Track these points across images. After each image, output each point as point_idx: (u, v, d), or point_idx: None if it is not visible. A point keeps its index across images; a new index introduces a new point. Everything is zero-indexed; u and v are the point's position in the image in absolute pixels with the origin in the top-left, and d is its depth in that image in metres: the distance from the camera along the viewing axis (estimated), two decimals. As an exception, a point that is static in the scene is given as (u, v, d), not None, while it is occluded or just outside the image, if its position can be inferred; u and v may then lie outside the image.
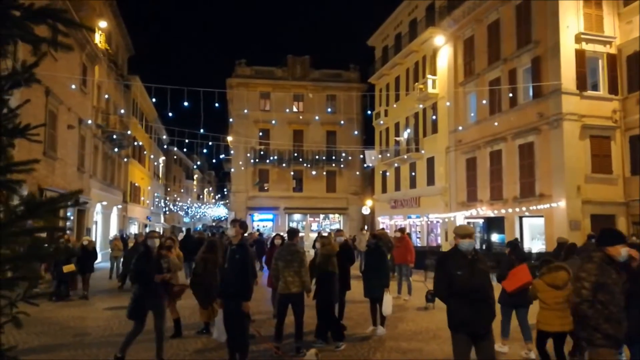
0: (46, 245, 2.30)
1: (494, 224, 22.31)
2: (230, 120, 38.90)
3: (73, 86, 19.31)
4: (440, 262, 4.86)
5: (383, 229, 27.08)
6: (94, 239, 23.46)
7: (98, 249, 23.52)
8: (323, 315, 7.44)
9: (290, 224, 40.29)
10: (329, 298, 7.48)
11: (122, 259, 14.98)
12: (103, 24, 25.42)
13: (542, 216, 19.24)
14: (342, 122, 39.42)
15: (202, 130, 22.64)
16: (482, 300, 4.44)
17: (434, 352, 7.28)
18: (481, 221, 23.21)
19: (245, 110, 36.38)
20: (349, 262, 8.76)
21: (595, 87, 19.20)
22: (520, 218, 20.56)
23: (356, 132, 38.28)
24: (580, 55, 18.65)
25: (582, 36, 18.62)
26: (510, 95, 20.96)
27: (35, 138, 2.46)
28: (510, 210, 20.72)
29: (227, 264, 5.87)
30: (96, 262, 17.43)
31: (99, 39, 24.56)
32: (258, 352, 7.07)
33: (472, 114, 24.43)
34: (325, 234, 9.95)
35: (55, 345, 7.45)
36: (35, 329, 8.53)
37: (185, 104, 18.11)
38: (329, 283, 7.51)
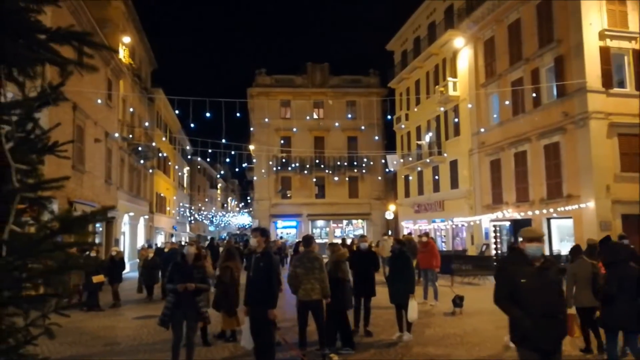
0: (76, 258, 2.38)
1: (520, 226, 21.72)
2: (252, 129, 39.29)
3: (99, 101, 19.84)
4: (501, 267, 4.41)
5: (410, 233, 26.88)
6: (122, 250, 24.01)
7: (126, 259, 24.10)
8: (334, 322, 7.44)
9: (314, 231, 40.37)
10: (340, 304, 7.48)
11: (141, 269, 15.03)
12: (127, 39, 26.07)
13: (570, 217, 18.81)
14: (362, 127, 39.26)
15: (224, 140, 22.90)
16: (550, 316, 3.86)
17: (462, 357, 7.18)
18: (507, 224, 22.82)
19: (267, 119, 36.65)
20: (374, 268, 8.74)
21: (621, 84, 18.73)
22: (548, 220, 20.14)
23: (377, 137, 38.16)
24: (604, 52, 18.24)
25: (606, 33, 18.22)
26: (534, 95, 20.62)
27: (64, 154, 2.53)
28: (537, 212, 20.32)
29: (252, 272, 5.90)
30: (124, 272, 17.84)
31: (122, 54, 25.19)
32: (285, 359, 7.09)
33: (495, 115, 24.11)
34: (335, 241, 9.98)
35: (86, 355, 7.63)
36: (67, 339, 8.74)
37: (207, 114, 18.40)
38: (339, 289, 7.48)
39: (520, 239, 4.20)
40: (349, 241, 17.16)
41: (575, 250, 7.78)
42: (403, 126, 34.91)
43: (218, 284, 8.30)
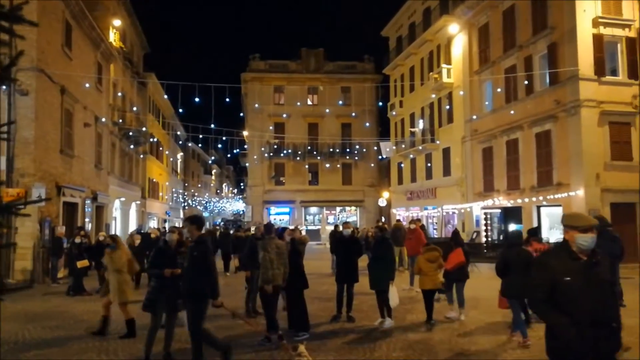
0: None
1: (511, 214, 21.95)
2: (245, 114, 39.09)
3: (87, 85, 19.59)
4: (541, 262, 3.53)
5: (399, 220, 26.94)
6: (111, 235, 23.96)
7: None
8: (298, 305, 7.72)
9: (307, 217, 40.44)
10: (303, 286, 7.84)
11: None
12: (117, 22, 25.72)
13: (560, 205, 18.86)
14: (357, 114, 39.23)
15: (213, 125, 22.75)
16: (601, 324, 3.15)
17: (441, 342, 7.23)
18: (498, 211, 22.89)
19: (260, 105, 36.46)
20: (356, 254, 8.74)
21: (614, 72, 18.66)
22: (538, 207, 20.21)
23: (371, 124, 38.05)
24: (598, 39, 18.14)
25: (600, 20, 18.09)
26: (527, 82, 20.54)
27: (1, 137, 2.45)
28: (527, 199, 20.38)
29: (187, 262, 5.80)
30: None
31: (113, 37, 24.86)
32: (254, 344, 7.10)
33: (488, 103, 24.04)
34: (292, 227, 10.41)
35: (66, 338, 7.61)
36: (49, 323, 8.75)
37: (197, 99, 18.23)
38: (298, 272, 7.77)
39: (566, 228, 3.36)
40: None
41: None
42: (397, 113, 34.81)
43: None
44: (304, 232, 36.47)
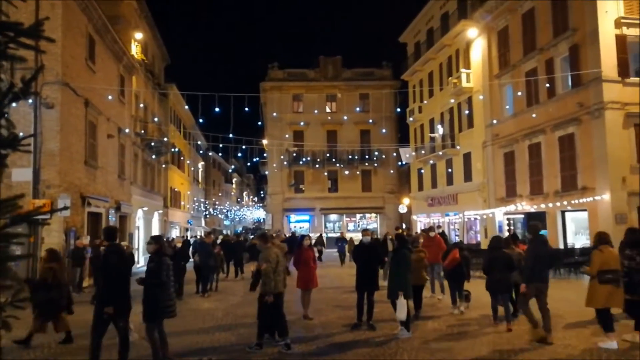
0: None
1: (534, 219, 21.39)
2: (265, 123, 39.38)
3: (110, 97, 20.02)
4: None
5: (425, 230, 26.69)
6: (136, 244, 24.32)
7: (140, 254, 24.41)
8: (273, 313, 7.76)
9: (327, 225, 40.39)
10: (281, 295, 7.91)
11: None
12: (139, 35, 26.27)
13: (585, 210, 18.45)
14: (375, 120, 39.13)
15: (231, 135, 22.95)
16: None
17: (464, 351, 7.10)
18: (521, 217, 22.49)
19: (279, 113, 36.72)
20: (376, 262, 8.68)
21: (638, 73, 18.21)
22: (563, 212, 19.80)
23: (390, 130, 37.90)
24: (621, 40, 17.77)
25: (622, 20, 17.74)
26: (548, 85, 20.21)
27: (24, 148, 2.52)
28: (551, 204, 19.98)
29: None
30: (138, 266, 18.08)
31: (135, 50, 25.39)
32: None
33: (508, 107, 23.73)
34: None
35: (79, 348, 7.66)
36: (75, 332, 8.86)
37: (217, 109, 18.46)
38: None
39: None
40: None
41: (505, 240, 9.84)
42: (416, 119, 34.60)
43: (40, 287, 7.82)
44: (314, 241, 36.27)
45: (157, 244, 6.74)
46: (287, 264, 10.04)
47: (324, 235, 30.83)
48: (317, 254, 26.73)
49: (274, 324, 7.59)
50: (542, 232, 20.50)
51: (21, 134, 2.72)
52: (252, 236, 28.60)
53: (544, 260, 7.56)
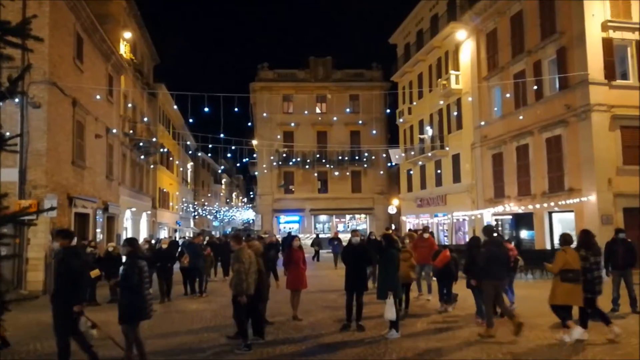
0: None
1: (522, 220, 21.78)
2: (254, 123, 39.29)
3: (98, 96, 19.85)
4: None
5: (411, 230, 26.77)
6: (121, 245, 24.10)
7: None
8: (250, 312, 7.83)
9: (317, 226, 40.40)
10: (258, 295, 7.89)
11: None
12: (128, 34, 26.09)
13: (572, 211, 18.67)
14: (365, 121, 39.25)
15: (222, 135, 22.83)
16: None
17: (453, 351, 7.15)
18: (509, 217, 22.70)
19: (269, 114, 36.65)
20: (365, 262, 8.71)
21: (624, 76, 18.49)
22: (550, 213, 20.01)
23: (380, 131, 38.01)
24: (607, 43, 18.01)
25: (609, 24, 17.98)
26: (536, 87, 20.43)
27: (11, 148, 2.49)
28: (538, 205, 20.18)
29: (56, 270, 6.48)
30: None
31: (123, 49, 25.19)
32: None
33: (497, 109, 23.94)
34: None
35: (74, 350, 7.60)
36: (94, 333, 8.76)
37: (206, 109, 18.34)
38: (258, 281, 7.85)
39: None
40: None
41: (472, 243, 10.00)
42: (405, 120, 34.76)
43: None
44: (311, 240, 36.26)
45: (130, 246, 6.74)
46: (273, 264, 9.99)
47: (321, 235, 30.97)
48: (313, 254, 27.13)
49: (252, 323, 7.75)
50: (529, 233, 20.83)
51: (7, 133, 2.68)
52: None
53: (498, 260, 8.05)
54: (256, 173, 40.85)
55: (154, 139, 29.76)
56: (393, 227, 34.07)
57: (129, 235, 26.58)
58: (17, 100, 13.68)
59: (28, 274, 14.30)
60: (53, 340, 8.25)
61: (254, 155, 40.03)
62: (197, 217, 53.59)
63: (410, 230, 14.90)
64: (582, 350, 7.14)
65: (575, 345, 7.30)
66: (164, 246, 13.56)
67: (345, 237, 23.38)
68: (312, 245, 27.93)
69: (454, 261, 10.44)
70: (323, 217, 40.84)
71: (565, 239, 7.86)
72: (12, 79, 2.59)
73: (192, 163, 52.39)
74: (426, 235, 12.82)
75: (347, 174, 39.62)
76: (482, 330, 8.05)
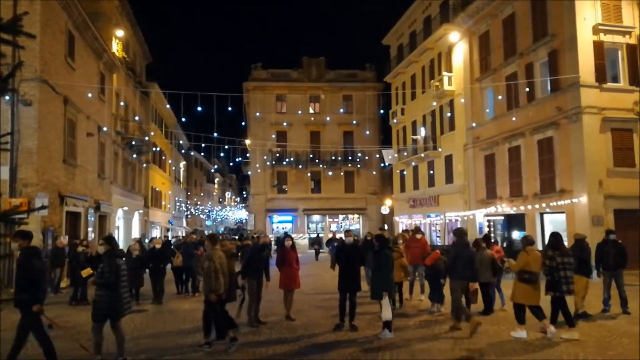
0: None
1: (514, 221, 21.90)
2: (247, 123, 39.19)
3: (90, 95, 19.70)
4: None
5: (405, 231, 26.84)
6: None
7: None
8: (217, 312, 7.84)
9: (310, 225, 40.40)
10: (228, 296, 7.96)
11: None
12: (120, 32, 25.92)
13: (563, 212, 18.81)
14: (358, 122, 39.30)
15: (216, 134, 22.79)
16: None
17: (444, 352, 7.17)
18: (501, 218, 22.82)
19: (262, 113, 36.59)
20: (358, 262, 8.72)
21: (615, 79, 18.67)
22: (541, 214, 20.15)
23: (373, 132, 38.07)
24: (598, 46, 18.17)
25: (600, 27, 18.14)
26: (528, 89, 20.57)
27: (3, 147, 2.46)
28: (530, 206, 20.32)
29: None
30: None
31: (116, 47, 25.03)
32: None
33: (489, 110, 24.06)
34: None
35: (68, 348, 7.59)
36: (50, 333, 8.69)
37: (199, 108, 18.26)
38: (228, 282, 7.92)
39: None
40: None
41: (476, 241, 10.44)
42: (398, 121, 34.84)
43: None
44: (305, 240, 36.24)
45: (108, 244, 6.75)
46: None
47: (321, 235, 31.17)
48: (314, 253, 27.40)
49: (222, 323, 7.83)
50: (521, 234, 20.97)
51: (-2, 131, 2.66)
52: (236, 237, 28.45)
53: (464, 261, 8.49)
54: (249, 173, 40.74)
55: (146, 138, 29.59)
56: (385, 227, 34.28)
57: (122, 234, 26.43)
58: (7, 97, 13.56)
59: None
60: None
61: (247, 155, 39.92)
62: (189, 216, 53.35)
63: (403, 230, 14.98)
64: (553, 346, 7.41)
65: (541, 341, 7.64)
66: (157, 246, 13.45)
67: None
68: (312, 245, 28.26)
69: (442, 261, 10.53)
70: (316, 217, 40.82)
71: (527, 240, 8.31)
72: (2, 76, 2.56)
73: (184, 162, 52.17)
74: (419, 235, 12.85)
75: (341, 174, 39.65)
76: (453, 323, 8.57)
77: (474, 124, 24.51)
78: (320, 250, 29.15)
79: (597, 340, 7.69)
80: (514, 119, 21.25)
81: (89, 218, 19.91)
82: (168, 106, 29.03)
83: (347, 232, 9.36)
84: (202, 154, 43.49)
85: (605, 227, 15.97)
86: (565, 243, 17.94)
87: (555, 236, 8.54)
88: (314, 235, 33.31)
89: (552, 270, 8.03)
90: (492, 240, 12.04)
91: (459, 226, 21.52)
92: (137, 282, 12.13)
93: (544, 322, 7.93)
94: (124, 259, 6.99)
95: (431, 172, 29.97)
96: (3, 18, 2.92)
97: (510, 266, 8.59)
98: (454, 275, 8.52)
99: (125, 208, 26.98)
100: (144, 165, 32.11)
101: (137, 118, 27.93)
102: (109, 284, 6.43)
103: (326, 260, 24.89)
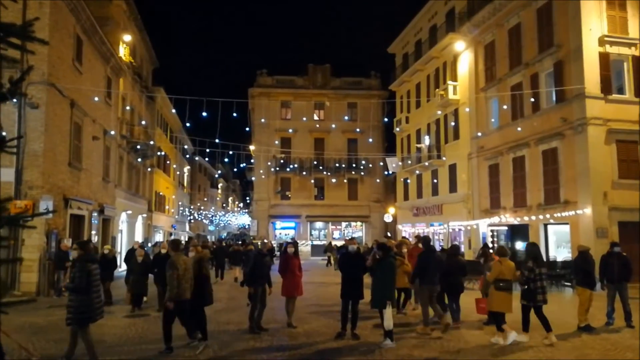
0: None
1: (518, 231, 21.78)
2: (252, 129, 39.31)
3: (96, 98, 19.83)
4: None
5: (405, 237, 26.79)
6: (119, 248, 23.99)
7: (123, 258, 24.07)
8: (197, 317, 7.98)
9: (313, 232, 40.37)
10: (203, 301, 8.03)
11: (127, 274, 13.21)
12: (127, 37, 26.11)
13: (567, 223, 18.72)
14: (363, 129, 39.34)
15: (217, 140, 22.88)
16: None
17: (447, 363, 7.14)
18: (505, 229, 22.73)
19: (267, 119, 36.69)
20: (361, 271, 8.70)
21: (620, 91, 18.64)
22: (545, 225, 20.05)
23: (377, 140, 38.09)
24: (604, 58, 18.17)
25: (606, 39, 18.15)
26: (533, 100, 20.56)
27: (11, 150, 2.49)
28: (534, 217, 20.23)
29: None
30: (120, 270, 17.82)
31: (123, 52, 25.21)
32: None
33: (494, 120, 24.05)
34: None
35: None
36: (54, 336, 8.74)
37: (204, 114, 18.33)
38: (202, 287, 8.00)
39: None
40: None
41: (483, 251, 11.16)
42: (401, 129, 34.87)
43: None
44: (307, 247, 36.23)
45: (81, 249, 6.75)
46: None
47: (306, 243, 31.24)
48: (327, 261, 27.76)
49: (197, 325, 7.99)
50: (523, 245, 20.85)
51: (4, 133, 2.69)
52: (239, 242, 28.47)
53: (432, 267, 9.06)
54: (253, 178, 40.79)
55: (151, 142, 29.70)
56: (389, 235, 34.21)
57: (125, 238, 26.48)
58: (15, 100, 13.67)
59: (22, 275, 14.21)
60: (46, 343, 8.29)
61: (251, 161, 40.00)
62: (192, 221, 53.39)
63: (403, 237, 14.99)
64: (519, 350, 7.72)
65: (510, 346, 7.95)
66: (163, 251, 13.37)
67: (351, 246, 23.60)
68: (325, 251, 28.95)
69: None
70: (319, 224, 40.80)
71: (500, 251, 8.74)
72: (13, 80, 2.59)
73: (189, 167, 52.30)
74: (421, 244, 12.81)
75: (344, 181, 39.64)
76: (420, 329, 8.95)
77: (478, 134, 24.50)
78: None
79: (600, 354, 7.63)
80: (519, 129, 21.23)
81: (93, 221, 19.95)
82: (174, 111, 29.11)
83: (351, 239, 9.37)
84: (207, 159, 43.55)
85: (610, 239, 15.92)
86: (569, 255, 18.09)
87: (533, 246, 8.81)
88: (309, 243, 33.55)
89: (529, 281, 8.22)
90: (491, 250, 12.06)
91: (425, 234, 22.53)
92: (140, 288, 12.06)
93: (504, 328, 8.21)
94: (96, 264, 6.98)
95: (435, 181, 29.93)
96: (11, 22, 2.95)
97: (487, 278, 8.93)
98: (422, 280, 9.02)
99: (129, 212, 27.05)
100: (149, 169, 32.23)
101: (142, 122, 28.07)
102: (79, 289, 6.42)
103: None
